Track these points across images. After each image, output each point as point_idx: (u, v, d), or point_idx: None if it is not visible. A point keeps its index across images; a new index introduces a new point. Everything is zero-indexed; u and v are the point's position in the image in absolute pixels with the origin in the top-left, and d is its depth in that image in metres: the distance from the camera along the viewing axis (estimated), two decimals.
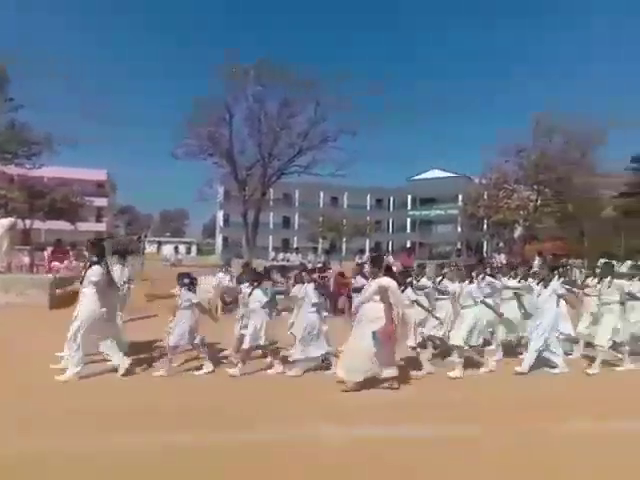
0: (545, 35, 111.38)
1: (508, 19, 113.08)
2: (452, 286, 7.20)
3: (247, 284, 6.71)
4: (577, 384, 6.12)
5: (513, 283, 7.93)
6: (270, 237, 52.92)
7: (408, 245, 53.12)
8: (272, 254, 45.67)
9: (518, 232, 39.54)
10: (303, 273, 6.93)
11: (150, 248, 61.48)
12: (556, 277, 6.93)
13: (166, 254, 43.78)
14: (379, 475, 3.52)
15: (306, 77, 23.81)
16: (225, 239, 55.99)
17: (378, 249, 50.35)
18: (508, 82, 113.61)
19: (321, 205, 56.86)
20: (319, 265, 15.42)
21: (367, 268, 8.00)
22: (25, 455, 3.61)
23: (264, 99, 24.55)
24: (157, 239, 71.56)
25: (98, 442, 3.92)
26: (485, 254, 41.27)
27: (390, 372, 5.64)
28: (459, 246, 44.37)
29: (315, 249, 44.01)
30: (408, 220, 60.48)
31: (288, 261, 32.46)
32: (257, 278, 6.63)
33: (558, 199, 34.99)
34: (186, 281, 6.32)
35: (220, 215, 56.99)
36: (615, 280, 6.85)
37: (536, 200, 34.40)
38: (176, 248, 49.06)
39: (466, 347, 6.45)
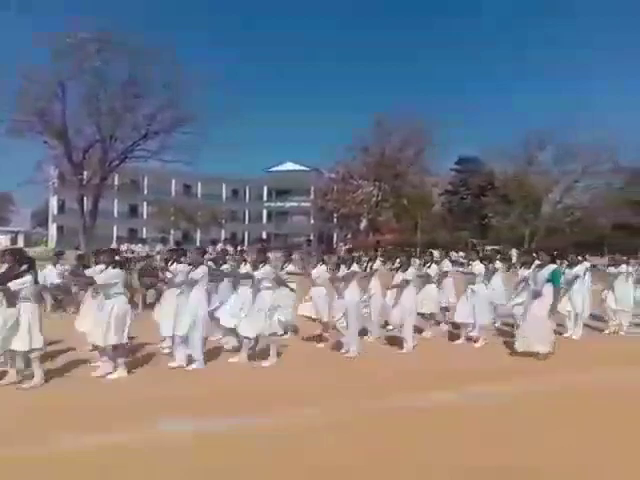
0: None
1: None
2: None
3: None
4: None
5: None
6: (115, 226, 48.79)
7: (264, 236, 53.89)
8: (114, 245, 42.34)
9: (363, 224, 42.93)
10: None
11: None
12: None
13: None
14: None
15: (157, 54, 22.37)
16: (60, 228, 49.86)
17: (234, 239, 50.09)
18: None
19: (173, 194, 54.17)
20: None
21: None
22: None
23: (105, 75, 22.44)
24: None
25: None
26: (335, 244, 43.96)
27: None
28: (311, 237, 46.59)
29: (164, 239, 41.96)
30: (264, 211, 61.12)
31: (132, 252, 30.44)
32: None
33: (395, 194, 38.98)
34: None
35: (54, 201, 50.56)
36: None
37: (377, 195, 37.83)
38: None
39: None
